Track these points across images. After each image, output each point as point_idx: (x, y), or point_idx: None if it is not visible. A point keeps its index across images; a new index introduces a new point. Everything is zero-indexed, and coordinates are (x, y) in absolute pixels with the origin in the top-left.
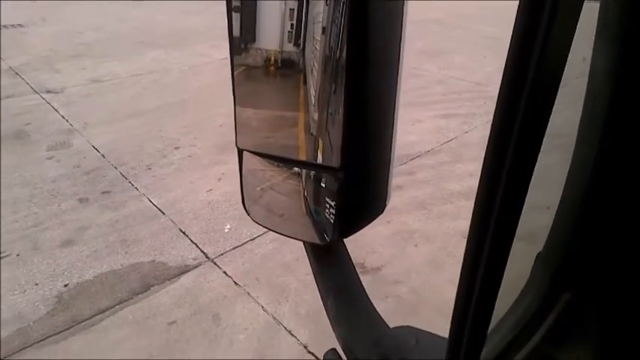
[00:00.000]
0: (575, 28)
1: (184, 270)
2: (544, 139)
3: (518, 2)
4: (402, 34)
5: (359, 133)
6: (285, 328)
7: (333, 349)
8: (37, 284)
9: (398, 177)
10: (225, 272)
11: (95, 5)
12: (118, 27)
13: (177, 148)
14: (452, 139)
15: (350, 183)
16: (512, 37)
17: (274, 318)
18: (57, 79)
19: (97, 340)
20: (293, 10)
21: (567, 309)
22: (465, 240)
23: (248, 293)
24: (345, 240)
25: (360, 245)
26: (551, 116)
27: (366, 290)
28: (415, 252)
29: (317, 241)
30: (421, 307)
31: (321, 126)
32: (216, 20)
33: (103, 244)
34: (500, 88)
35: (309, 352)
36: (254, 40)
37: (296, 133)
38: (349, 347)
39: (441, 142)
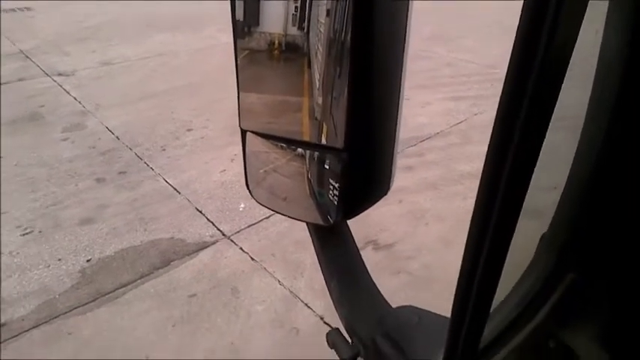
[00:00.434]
0: (586, 5)
1: (202, 246)
2: (551, 119)
3: None
4: (409, 15)
5: (363, 114)
6: (301, 300)
7: (336, 329)
8: (60, 259)
9: (408, 158)
10: (241, 249)
11: None
12: (125, 10)
13: (189, 130)
14: (461, 121)
15: (354, 164)
16: (521, 14)
17: (291, 292)
18: (67, 62)
19: (122, 311)
20: None
21: (571, 289)
22: None
23: (264, 268)
24: (357, 218)
25: (373, 223)
26: (559, 96)
27: (380, 265)
28: (426, 230)
29: (320, 222)
30: (433, 282)
31: (325, 109)
32: (223, 4)
33: (122, 221)
34: (509, 67)
35: (325, 323)
36: (258, 23)
37: (300, 118)
38: (352, 327)
39: (450, 124)
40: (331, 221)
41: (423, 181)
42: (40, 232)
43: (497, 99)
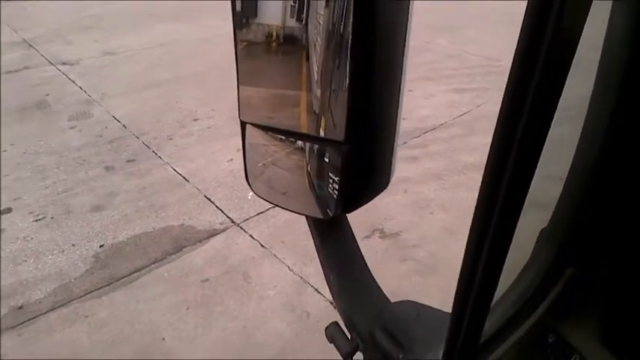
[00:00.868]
0: (586, 18)
1: (213, 233)
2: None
3: None
4: (410, 6)
5: (364, 107)
6: (311, 286)
7: (335, 323)
8: (73, 245)
9: (412, 149)
10: (251, 236)
11: None
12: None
13: (195, 119)
14: (465, 113)
15: (354, 157)
16: (526, 8)
17: (301, 277)
18: (70, 51)
19: (137, 295)
20: None
21: (571, 284)
22: None
23: (274, 255)
24: (363, 207)
25: (379, 212)
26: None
27: (387, 252)
28: (431, 219)
29: (320, 215)
30: (438, 269)
31: (324, 102)
32: None
33: (132, 208)
34: (514, 59)
35: (335, 308)
36: (255, 14)
37: (298, 112)
38: (351, 321)
39: (454, 115)
40: (330, 215)
41: (427, 171)
42: (52, 218)
43: (501, 92)
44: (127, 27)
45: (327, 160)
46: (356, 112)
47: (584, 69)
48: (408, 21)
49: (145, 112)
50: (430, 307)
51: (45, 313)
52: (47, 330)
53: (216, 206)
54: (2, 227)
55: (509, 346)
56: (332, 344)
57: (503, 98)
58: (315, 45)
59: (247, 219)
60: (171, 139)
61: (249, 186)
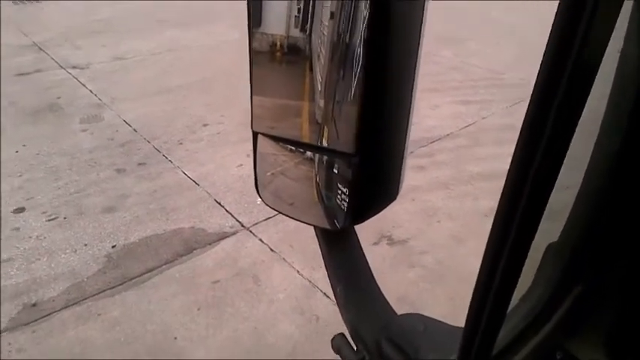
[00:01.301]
0: (614, 26)
1: (223, 236)
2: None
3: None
4: (424, 16)
5: (375, 119)
6: (320, 290)
7: (341, 334)
8: (86, 245)
9: (420, 158)
10: (260, 239)
11: None
12: (134, 5)
13: (205, 125)
14: (470, 124)
15: (364, 169)
16: (551, 30)
17: (310, 281)
18: (80, 55)
19: (149, 294)
20: None
21: (579, 301)
22: (486, 218)
23: (283, 259)
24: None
25: (387, 220)
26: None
27: (396, 259)
28: (439, 227)
29: (328, 226)
30: (446, 276)
31: (329, 112)
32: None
33: (144, 210)
34: (537, 79)
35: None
36: (259, 24)
37: (306, 123)
38: (357, 332)
39: (459, 126)
40: (339, 226)
41: (434, 180)
42: (65, 218)
43: (505, 104)
44: (136, 32)
45: (336, 171)
46: (367, 123)
47: (599, 81)
48: (421, 31)
49: (155, 117)
50: (437, 320)
51: (58, 310)
52: (60, 327)
53: (226, 210)
54: (16, 226)
55: None
56: (338, 355)
57: (525, 116)
58: (319, 55)
59: (257, 223)
60: (181, 143)
61: (259, 195)
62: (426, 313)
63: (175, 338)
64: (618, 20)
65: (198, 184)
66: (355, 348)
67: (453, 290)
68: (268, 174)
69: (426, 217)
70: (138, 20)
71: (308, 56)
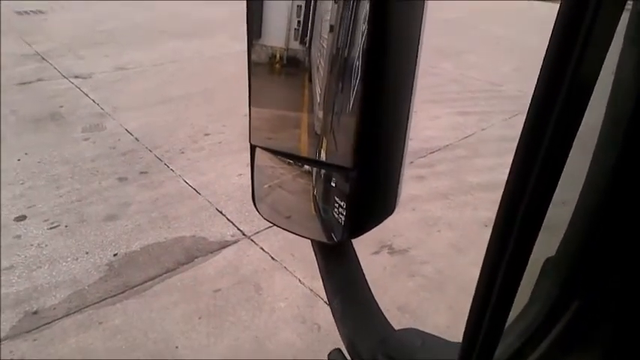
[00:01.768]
0: (612, 38)
1: (224, 245)
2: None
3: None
4: (421, 31)
5: (373, 133)
6: (321, 299)
7: (338, 349)
8: (87, 253)
9: (419, 168)
10: (262, 248)
11: None
12: (136, 16)
13: (206, 134)
14: (469, 135)
15: (362, 183)
16: (549, 42)
17: (311, 290)
18: (82, 65)
19: (150, 303)
20: (300, 7)
21: (577, 317)
22: (485, 228)
23: (285, 267)
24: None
25: (388, 229)
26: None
27: (396, 268)
28: (439, 237)
29: (325, 240)
30: (446, 285)
31: (327, 125)
32: (234, 11)
33: (145, 219)
34: (535, 92)
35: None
36: (259, 36)
37: (299, 134)
38: (354, 347)
39: (459, 137)
40: (336, 240)
41: (434, 190)
42: (66, 226)
43: (504, 115)
44: (138, 43)
45: (334, 184)
46: (364, 138)
47: (597, 95)
48: (419, 46)
49: (157, 126)
50: (434, 335)
51: (60, 318)
52: (62, 335)
53: (228, 219)
54: (17, 234)
55: None
56: None
57: (523, 128)
58: (318, 68)
59: (258, 232)
60: (183, 152)
61: (256, 208)
62: (427, 322)
63: (177, 347)
64: (615, 33)
65: (200, 193)
66: None
67: (453, 300)
68: (265, 186)
69: (426, 226)
70: (140, 31)
71: (307, 69)
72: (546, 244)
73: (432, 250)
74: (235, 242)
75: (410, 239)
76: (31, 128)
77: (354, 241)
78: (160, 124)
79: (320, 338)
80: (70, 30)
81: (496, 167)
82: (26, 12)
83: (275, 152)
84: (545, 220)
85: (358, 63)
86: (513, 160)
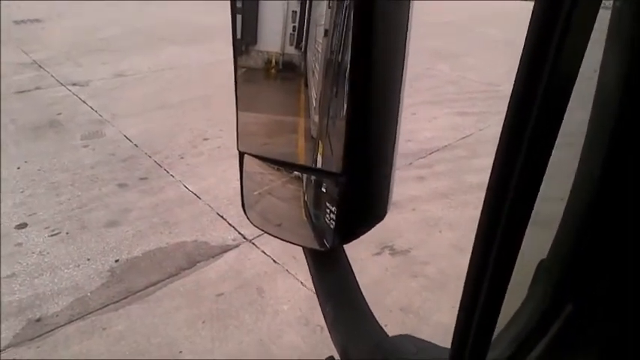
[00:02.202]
0: (590, 35)
1: (225, 249)
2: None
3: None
4: (407, 37)
5: (362, 138)
6: None
7: (331, 357)
8: (89, 259)
9: (419, 169)
10: (263, 251)
11: (111, 2)
12: (133, 23)
13: (205, 139)
14: (468, 136)
15: (351, 188)
16: (525, 40)
17: (313, 292)
18: (80, 72)
19: (153, 308)
20: (295, 12)
21: (570, 320)
22: None
23: (287, 270)
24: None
25: (389, 230)
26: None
27: (398, 269)
28: (440, 237)
29: (317, 246)
30: (448, 285)
31: (322, 130)
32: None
33: (146, 225)
34: (512, 92)
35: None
36: (255, 42)
37: (295, 139)
38: (347, 355)
39: (457, 137)
40: (328, 246)
41: (434, 190)
42: (67, 233)
43: (502, 115)
44: (136, 50)
45: (324, 190)
46: (354, 143)
47: (582, 93)
48: (405, 52)
49: (156, 132)
50: (428, 342)
51: (62, 325)
52: (65, 342)
53: (229, 223)
54: (19, 242)
55: None
56: None
57: (504, 125)
58: (313, 73)
59: (259, 235)
60: (182, 158)
61: (246, 215)
62: (430, 321)
63: (180, 352)
64: (597, 39)
65: (200, 198)
66: None
67: (455, 299)
68: (255, 193)
69: (426, 226)
70: (138, 39)
71: (303, 73)
72: (538, 246)
73: (433, 251)
74: (237, 246)
75: (411, 240)
76: (30, 136)
77: (350, 244)
78: (159, 130)
79: (323, 340)
80: (68, 38)
81: None
82: (23, 21)
83: (264, 159)
84: (541, 222)
85: (348, 67)
86: (494, 164)
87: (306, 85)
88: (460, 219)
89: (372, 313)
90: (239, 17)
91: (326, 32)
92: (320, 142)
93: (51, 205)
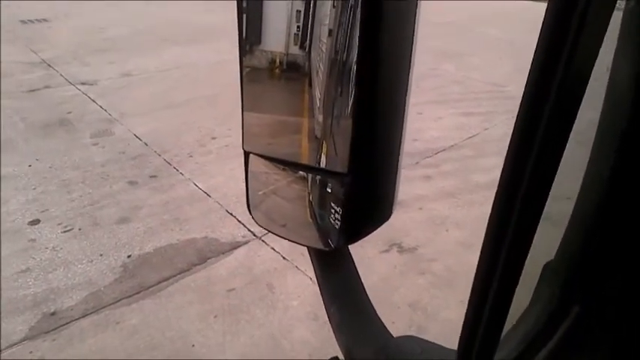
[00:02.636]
0: (604, 36)
1: (235, 246)
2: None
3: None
4: (414, 37)
5: (367, 138)
6: None
7: (336, 357)
8: (101, 255)
9: (426, 168)
10: (273, 248)
11: (112, 2)
12: (136, 24)
13: (214, 138)
14: (474, 135)
15: (357, 188)
16: (539, 40)
17: None
18: (88, 72)
19: (166, 303)
20: (300, 12)
21: (577, 323)
22: None
23: (296, 267)
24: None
25: (396, 228)
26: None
27: (406, 266)
28: (447, 235)
29: (322, 246)
30: (456, 282)
31: (326, 130)
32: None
33: (157, 221)
34: (525, 91)
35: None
36: (259, 41)
37: (299, 138)
38: (352, 356)
39: (463, 137)
40: (333, 246)
41: (440, 189)
42: (79, 229)
43: (507, 115)
44: (143, 50)
45: (329, 190)
46: (359, 143)
47: (593, 92)
48: (412, 52)
49: (164, 131)
50: (433, 342)
51: (77, 319)
52: (80, 335)
53: (238, 220)
54: (32, 237)
55: None
56: None
57: (515, 125)
58: (317, 72)
59: (268, 233)
60: (191, 156)
61: (251, 216)
62: (438, 317)
63: (193, 345)
64: (608, 37)
65: (210, 196)
66: None
67: (463, 295)
68: (260, 193)
69: (433, 225)
70: (143, 39)
71: (307, 73)
72: (546, 247)
73: (440, 248)
74: (246, 243)
75: (418, 238)
76: (41, 134)
77: (358, 242)
78: (168, 129)
79: (332, 335)
80: (74, 37)
81: (501, 166)
82: (31, 20)
83: (269, 159)
84: (548, 224)
85: (354, 67)
86: (504, 163)
87: (311, 85)
88: (467, 218)
89: (376, 314)
90: (244, 17)
91: (330, 32)
92: (324, 141)
93: (63, 202)
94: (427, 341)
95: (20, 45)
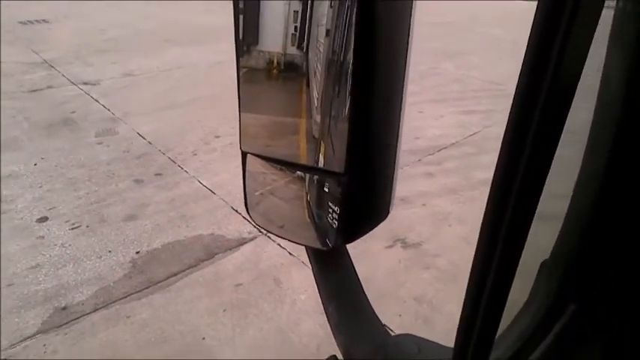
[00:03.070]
0: (593, 35)
1: (242, 242)
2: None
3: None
4: (410, 37)
5: (364, 137)
6: None
7: (334, 356)
8: (110, 251)
9: (428, 166)
10: (279, 244)
11: (112, 3)
12: (139, 24)
13: (217, 136)
14: (475, 133)
15: (354, 188)
16: (529, 39)
17: None
18: (90, 72)
19: (175, 297)
20: (297, 12)
21: (573, 320)
22: None
23: (302, 262)
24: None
25: (400, 224)
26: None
27: (411, 261)
28: (450, 231)
29: (319, 246)
30: (459, 276)
31: (324, 130)
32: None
33: (164, 218)
34: (516, 91)
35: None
36: (257, 42)
37: (297, 139)
38: (350, 354)
39: (464, 135)
40: (330, 245)
41: (443, 186)
42: (87, 226)
43: (507, 113)
44: (144, 50)
45: (326, 190)
46: (356, 142)
47: (585, 91)
48: (408, 52)
49: (168, 130)
50: (431, 341)
51: (88, 314)
52: (92, 329)
53: (244, 217)
54: (40, 234)
55: None
56: None
57: (507, 125)
58: (315, 72)
59: None
60: (195, 154)
61: (249, 215)
62: (443, 310)
63: (204, 338)
64: (600, 34)
65: (215, 193)
66: None
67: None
68: (257, 193)
69: (437, 221)
70: (144, 39)
71: (305, 73)
72: (541, 245)
73: (444, 244)
74: (252, 239)
75: (422, 233)
76: (45, 134)
77: (362, 238)
78: (171, 128)
79: None
80: (75, 38)
81: None
82: (30, 22)
83: (266, 159)
84: (539, 221)
85: (350, 67)
86: (497, 162)
87: (308, 85)
88: (469, 214)
89: (374, 312)
90: (241, 17)
91: (327, 32)
92: (322, 141)
93: (70, 199)
94: (425, 339)
95: (21, 46)
